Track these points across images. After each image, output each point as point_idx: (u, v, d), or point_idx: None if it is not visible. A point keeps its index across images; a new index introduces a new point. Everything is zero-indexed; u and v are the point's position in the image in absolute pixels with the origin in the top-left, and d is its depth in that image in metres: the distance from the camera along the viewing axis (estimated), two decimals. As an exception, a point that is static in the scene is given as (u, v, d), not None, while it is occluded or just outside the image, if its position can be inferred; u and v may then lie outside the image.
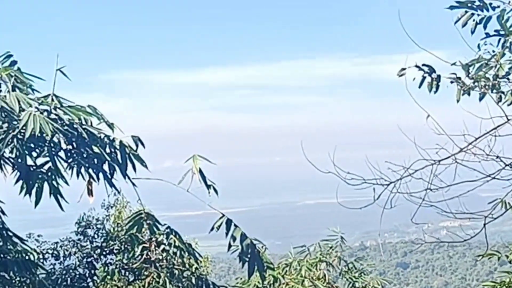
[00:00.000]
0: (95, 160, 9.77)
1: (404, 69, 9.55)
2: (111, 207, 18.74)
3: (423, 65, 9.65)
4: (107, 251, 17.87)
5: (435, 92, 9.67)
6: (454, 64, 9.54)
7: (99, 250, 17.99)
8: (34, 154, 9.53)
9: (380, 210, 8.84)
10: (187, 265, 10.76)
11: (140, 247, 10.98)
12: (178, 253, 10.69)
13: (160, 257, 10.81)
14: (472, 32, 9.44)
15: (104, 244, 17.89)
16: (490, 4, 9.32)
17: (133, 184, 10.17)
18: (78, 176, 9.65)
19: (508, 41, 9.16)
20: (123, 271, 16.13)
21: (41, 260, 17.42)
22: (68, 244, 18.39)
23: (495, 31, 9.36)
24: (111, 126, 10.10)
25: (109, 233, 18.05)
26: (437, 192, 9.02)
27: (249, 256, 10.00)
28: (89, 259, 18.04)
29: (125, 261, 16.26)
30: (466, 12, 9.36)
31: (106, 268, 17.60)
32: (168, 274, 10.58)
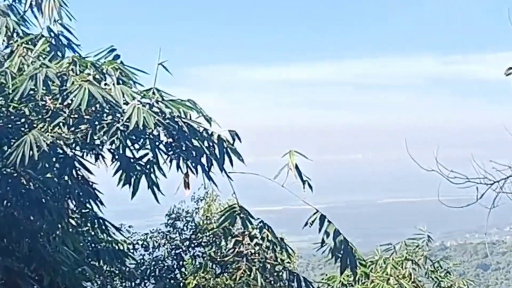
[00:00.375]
0: (194, 153, 9.98)
1: (511, 68, 9.39)
2: (201, 200, 18.98)
3: None
4: (196, 244, 18.15)
5: None
6: None
7: (187, 242, 18.28)
8: (136, 146, 9.75)
9: (479, 210, 8.73)
10: (279, 260, 10.88)
11: (233, 240, 11.10)
12: (270, 247, 10.82)
13: (253, 251, 10.94)
14: None
15: (193, 237, 18.17)
16: None
17: (229, 178, 10.34)
18: (178, 169, 9.86)
19: None
20: (210, 264, 16.36)
21: (131, 251, 17.78)
22: (157, 236, 18.71)
23: None
24: (209, 120, 10.28)
25: (198, 226, 18.31)
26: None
27: (342, 252, 10.06)
28: (177, 251, 18.35)
29: (213, 254, 16.49)
30: None
31: (194, 260, 17.89)
32: (259, 268, 10.71)
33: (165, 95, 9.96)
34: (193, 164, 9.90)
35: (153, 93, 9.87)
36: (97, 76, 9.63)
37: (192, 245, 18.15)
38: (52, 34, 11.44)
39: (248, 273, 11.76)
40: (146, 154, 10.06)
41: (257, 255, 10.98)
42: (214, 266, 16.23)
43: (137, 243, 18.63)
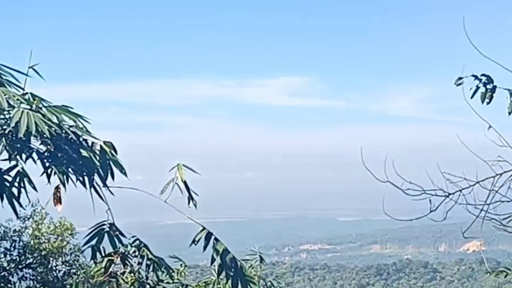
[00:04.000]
0: (75, 163, 9.17)
1: (461, 78, 9.43)
2: (28, 218, 17.81)
3: (482, 75, 9.56)
4: (24, 265, 16.99)
5: (488, 103, 9.58)
6: None
7: (14, 264, 17.08)
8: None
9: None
10: (156, 280, 10.27)
11: (106, 260, 10.35)
12: (150, 267, 10.19)
13: (127, 271, 10.25)
14: None
15: (22, 258, 17.00)
16: None
17: (111, 193, 9.63)
18: (48, 181, 8.98)
19: None
20: (39, 286, 15.34)
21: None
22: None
23: None
24: (86, 129, 9.53)
25: (27, 246, 17.15)
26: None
27: (232, 270, 9.65)
28: (2, 273, 17.09)
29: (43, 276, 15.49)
30: None
31: (20, 282, 16.75)
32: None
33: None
34: (77, 176, 9.08)
35: (33, 98, 8.98)
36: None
37: (20, 266, 16.98)
38: None
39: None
40: (15, 166, 9.14)
41: (132, 275, 10.29)
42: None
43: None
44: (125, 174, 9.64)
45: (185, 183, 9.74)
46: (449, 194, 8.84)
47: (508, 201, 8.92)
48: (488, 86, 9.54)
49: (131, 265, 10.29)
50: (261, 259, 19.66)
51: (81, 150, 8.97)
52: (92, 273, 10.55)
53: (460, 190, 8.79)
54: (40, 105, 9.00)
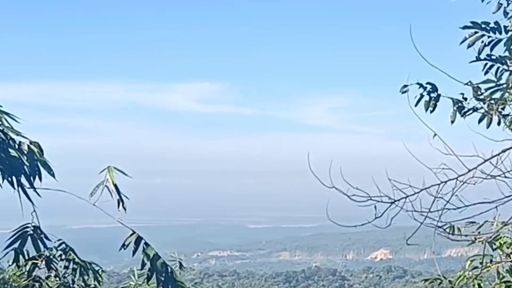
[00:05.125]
0: (3, 163, 8.86)
1: (406, 85, 9.46)
2: None
3: (427, 83, 9.61)
4: None
5: (431, 112, 9.65)
6: (467, 84, 9.52)
7: None
8: None
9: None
10: (83, 285, 9.99)
11: (29, 263, 10.05)
12: (78, 271, 9.93)
13: (51, 275, 9.97)
14: (479, 54, 9.44)
15: None
16: (505, 27, 9.35)
17: (38, 194, 9.34)
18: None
19: (501, 68, 9.27)
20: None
21: None
22: None
23: (488, 55, 9.43)
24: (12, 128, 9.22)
25: None
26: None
27: (163, 275, 9.47)
28: None
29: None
30: (476, 32, 9.34)
31: None
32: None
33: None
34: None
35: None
36: None
37: None
38: None
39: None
40: None
41: (57, 279, 10.00)
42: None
43: None
44: (53, 175, 9.38)
45: (115, 186, 9.53)
46: (395, 200, 8.91)
47: (454, 209, 9.05)
48: (432, 95, 9.67)
49: (56, 269, 10.03)
50: (181, 265, 19.41)
51: (10, 150, 8.69)
52: (7, 276, 10.18)
53: (406, 197, 8.87)
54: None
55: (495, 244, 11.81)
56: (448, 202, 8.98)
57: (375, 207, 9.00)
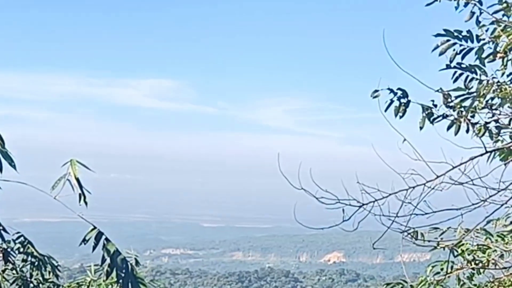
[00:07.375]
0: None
1: (377, 90, 9.42)
2: None
3: (398, 89, 9.59)
4: None
5: (401, 117, 9.62)
6: (437, 91, 9.53)
7: None
8: None
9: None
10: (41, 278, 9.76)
11: (-15, 255, 9.80)
12: (36, 264, 9.71)
13: (7, 268, 9.73)
14: (451, 62, 9.46)
15: None
16: (477, 36, 9.38)
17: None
18: None
19: (470, 76, 9.30)
20: None
21: None
22: None
23: (458, 63, 9.45)
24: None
25: None
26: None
27: (123, 272, 9.30)
28: None
29: None
30: (448, 40, 9.35)
31: None
32: (21, 287, 9.54)
33: None
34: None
35: None
36: None
37: None
38: None
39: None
40: None
41: (14, 272, 9.77)
42: None
43: None
44: (14, 167, 9.15)
45: (77, 180, 9.33)
46: (363, 204, 8.88)
47: (422, 214, 9.05)
48: (402, 100, 9.68)
49: (14, 263, 9.80)
50: (137, 262, 19.20)
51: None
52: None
53: (374, 201, 8.84)
54: None
55: (457, 251, 11.90)
56: (416, 207, 8.98)
57: (343, 210, 8.97)
